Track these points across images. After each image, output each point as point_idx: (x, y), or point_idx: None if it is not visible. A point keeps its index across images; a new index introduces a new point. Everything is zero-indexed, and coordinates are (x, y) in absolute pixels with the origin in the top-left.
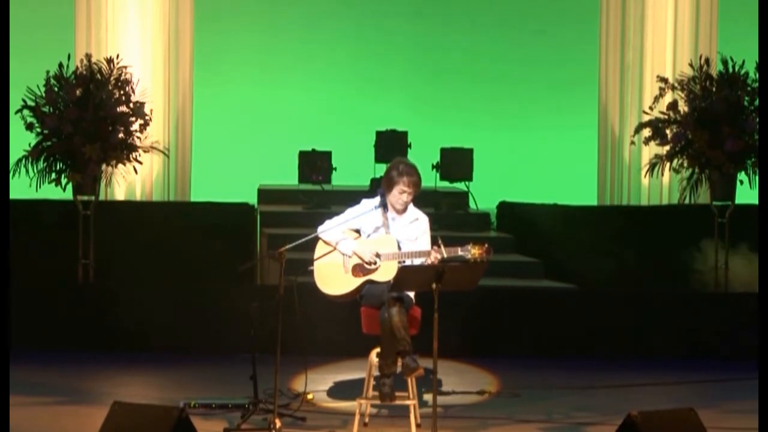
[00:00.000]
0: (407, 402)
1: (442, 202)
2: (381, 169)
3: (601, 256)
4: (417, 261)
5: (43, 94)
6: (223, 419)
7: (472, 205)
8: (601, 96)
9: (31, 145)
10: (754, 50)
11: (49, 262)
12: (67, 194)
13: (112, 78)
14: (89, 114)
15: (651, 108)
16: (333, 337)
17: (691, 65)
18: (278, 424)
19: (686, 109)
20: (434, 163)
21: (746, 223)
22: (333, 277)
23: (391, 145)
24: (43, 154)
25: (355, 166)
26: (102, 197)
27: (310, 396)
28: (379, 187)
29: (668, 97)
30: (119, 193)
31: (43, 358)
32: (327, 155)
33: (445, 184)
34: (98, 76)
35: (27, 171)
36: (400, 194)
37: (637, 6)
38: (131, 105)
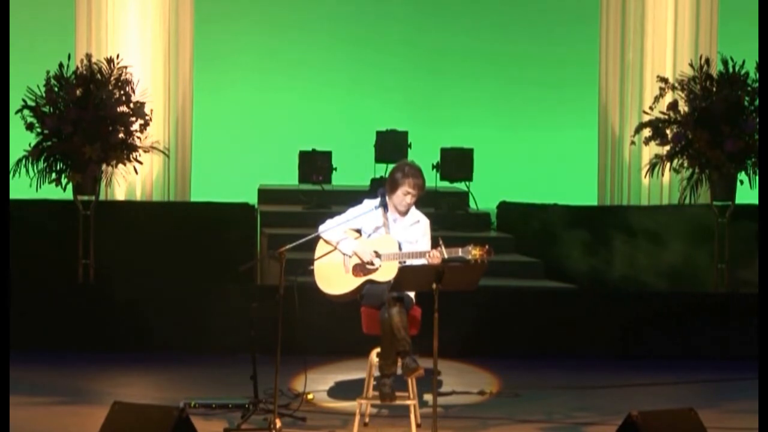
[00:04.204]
0: (407, 402)
1: (442, 202)
2: (381, 169)
3: (601, 256)
4: (417, 261)
5: (44, 94)
6: (223, 419)
7: (472, 205)
8: (601, 96)
9: (31, 145)
10: (754, 50)
11: (49, 262)
12: (67, 194)
13: (112, 78)
14: (89, 114)
15: (651, 108)
16: (333, 337)
17: (691, 65)
18: (278, 424)
19: (686, 109)
20: (434, 163)
21: (746, 223)
22: (333, 276)
23: (391, 145)
24: (43, 154)
25: (355, 166)
26: (102, 197)
27: (310, 396)
28: (379, 187)
29: (668, 97)
30: (119, 193)
31: (43, 358)
32: (327, 155)
33: (445, 184)
34: (98, 76)
35: (27, 171)
36: (404, 195)
37: (637, 6)
38: (131, 105)
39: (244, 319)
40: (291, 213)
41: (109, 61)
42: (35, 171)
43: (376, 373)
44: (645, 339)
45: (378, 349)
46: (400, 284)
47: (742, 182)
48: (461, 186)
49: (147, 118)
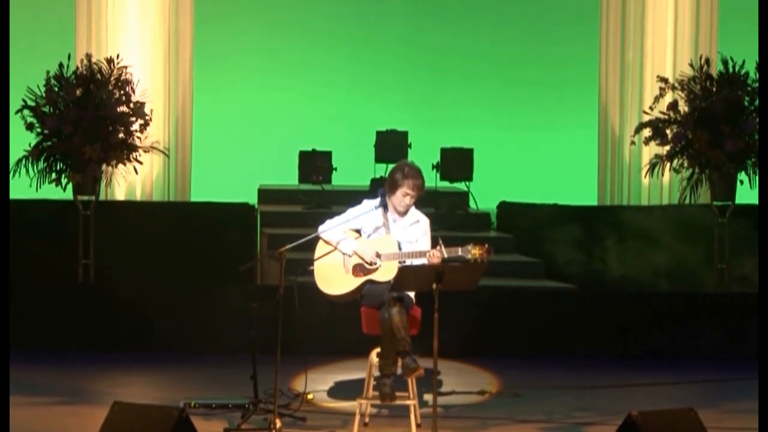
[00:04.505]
0: (407, 402)
1: (442, 202)
2: (381, 169)
3: (601, 257)
4: (417, 261)
5: (44, 94)
6: (223, 419)
7: (472, 205)
8: (601, 96)
9: (31, 145)
10: (754, 50)
11: (49, 262)
12: (67, 194)
13: (112, 78)
14: (89, 114)
15: (651, 108)
16: (333, 337)
17: (691, 65)
18: (278, 424)
19: (686, 109)
20: (434, 163)
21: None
22: (333, 276)
23: (391, 145)
24: (43, 154)
25: (355, 166)
26: (102, 197)
27: (310, 396)
28: (379, 187)
29: (668, 97)
30: (119, 193)
31: (43, 358)
32: (327, 155)
33: (445, 184)
34: (98, 76)
35: (27, 171)
36: (403, 197)
37: (637, 6)
38: (131, 105)
39: (244, 319)
40: (291, 213)
41: (109, 61)
42: (35, 171)
43: (376, 373)
44: (645, 339)
45: (378, 349)
46: (400, 284)
47: (742, 182)
48: (461, 186)
49: (147, 118)
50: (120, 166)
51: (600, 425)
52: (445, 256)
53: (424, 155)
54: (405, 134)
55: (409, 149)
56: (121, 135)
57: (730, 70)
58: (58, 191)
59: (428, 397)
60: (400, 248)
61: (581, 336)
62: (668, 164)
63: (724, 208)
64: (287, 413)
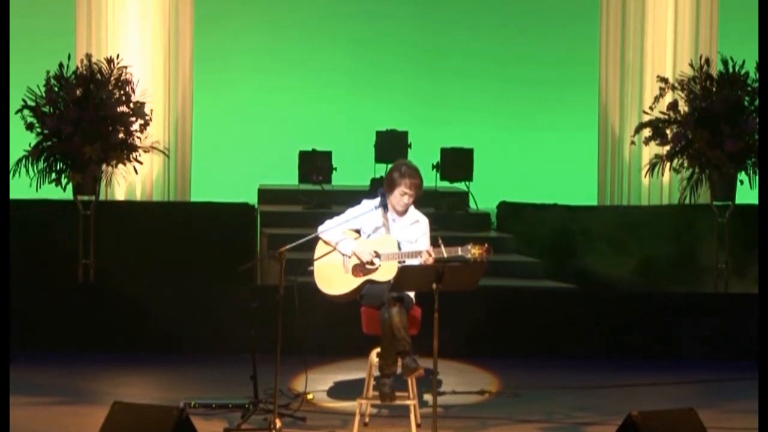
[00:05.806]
0: (407, 402)
1: (442, 202)
2: (381, 169)
3: (601, 257)
4: (416, 261)
5: (44, 94)
6: (223, 419)
7: (472, 205)
8: (601, 96)
9: (31, 145)
10: (754, 50)
11: (49, 262)
12: (67, 194)
13: (112, 78)
14: (89, 114)
15: (651, 108)
16: (333, 337)
17: (691, 65)
18: (278, 424)
19: (686, 109)
20: (434, 163)
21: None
22: (333, 277)
23: (391, 145)
24: (43, 154)
25: (355, 166)
26: (102, 197)
27: (310, 396)
28: (379, 187)
29: (668, 97)
30: (119, 193)
31: (43, 358)
32: (327, 155)
33: (445, 184)
34: (98, 76)
35: (27, 171)
36: (401, 196)
37: (637, 6)
38: (131, 105)
39: (244, 319)
40: (291, 213)
41: (109, 61)
42: (35, 171)
43: (376, 373)
44: (645, 339)
45: (378, 349)
46: (400, 284)
47: (742, 182)
48: (461, 186)
49: (147, 118)
50: (120, 166)
51: (600, 425)
52: (444, 255)
53: (424, 155)
54: (405, 134)
55: (409, 149)
56: (121, 135)
57: (730, 70)
58: (58, 191)
59: (428, 397)
60: (399, 248)
61: (581, 336)
62: (668, 164)
63: (724, 208)
64: (287, 413)
